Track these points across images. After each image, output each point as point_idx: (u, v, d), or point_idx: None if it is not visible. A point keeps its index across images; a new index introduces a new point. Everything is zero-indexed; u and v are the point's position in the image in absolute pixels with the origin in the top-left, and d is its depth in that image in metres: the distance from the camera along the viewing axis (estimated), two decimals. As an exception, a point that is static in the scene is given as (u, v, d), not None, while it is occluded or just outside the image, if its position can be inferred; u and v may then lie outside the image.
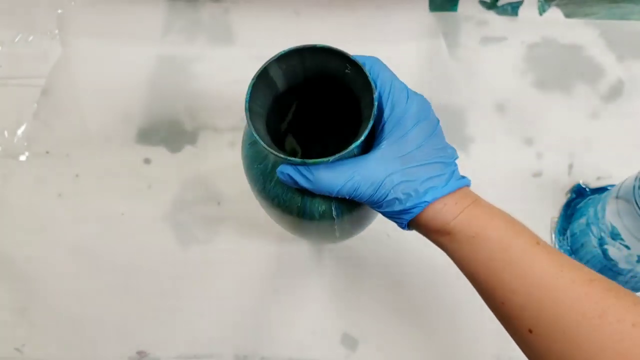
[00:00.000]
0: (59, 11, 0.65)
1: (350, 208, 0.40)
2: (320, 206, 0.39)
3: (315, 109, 0.45)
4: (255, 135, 0.34)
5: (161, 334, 0.51)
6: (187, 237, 0.54)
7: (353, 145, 0.34)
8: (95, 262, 0.53)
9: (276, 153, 0.34)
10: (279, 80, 0.38)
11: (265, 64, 0.36)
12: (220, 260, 0.54)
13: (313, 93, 0.41)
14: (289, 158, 0.34)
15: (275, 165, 0.38)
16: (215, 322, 0.51)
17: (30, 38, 0.64)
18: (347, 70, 0.36)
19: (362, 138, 0.34)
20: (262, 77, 0.36)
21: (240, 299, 0.52)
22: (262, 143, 0.34)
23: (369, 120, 0.34)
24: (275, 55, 0.36)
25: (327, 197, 0.38)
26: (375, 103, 0.34)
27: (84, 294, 0.52)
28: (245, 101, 0.35)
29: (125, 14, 0.64)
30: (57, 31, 0.64)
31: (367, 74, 0.35)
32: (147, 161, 0.58)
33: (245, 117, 0.35)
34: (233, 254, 0.54)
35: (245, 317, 0.52)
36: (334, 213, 0.39)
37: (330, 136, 0.48)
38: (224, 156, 0.58)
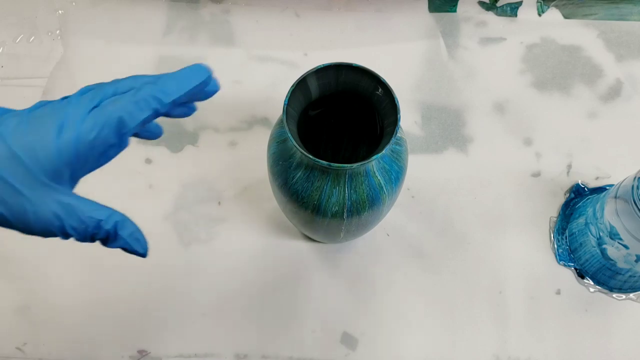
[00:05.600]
0: (60, 12, 0.65)
1: (359, 211, 0.42)
2: (334, 206, 0.41)
3: (335, 117, 0.49)
4: (289, 134, 0.38)
5: (161, 332, 0.51)
6: (187, 237, 0.54)
7: (376, 156, 0.38)
8: (95, 262, 0.53)
9: (306, 153, 0.38)
10: (314, 89, 0.42)
11: (304, 74, 0.40)
12: (221, 260, 0.54)
13: (337, 104, 0.45)
14: (317, 160, 0.38)
15: (299, 164, 0.41)
16: (215, 322, 0.52)
17: (32, 39, 0.64)
18: (377, 92, 0.41)
19: (384, 151, 0.38)
20: (300, 86, 0.40)
21: (240, 299, 0.52)
22: (294, 143, 0.38)
23: (391, 136, 0.38)
24: (315, 68, 0.40)
25: (342, 199, 0.41)
26: (399, 122, 0.38)
27: (84, 293, 0.52)
28: (284, 104, 0.39)
29: (126, 15, 0.65)
30: (58, 32, 0.64)
31: (395, 97, 0.39)
32: (148, 161, 0.58)
33: (282, 118, 0.39)
34: (233, 253, 0.54)
35: (245, 316, 0.52)
36: (345, 214, 0.42)
37: (335, 137, 0.52)
38: (224, 156, 0.58)
